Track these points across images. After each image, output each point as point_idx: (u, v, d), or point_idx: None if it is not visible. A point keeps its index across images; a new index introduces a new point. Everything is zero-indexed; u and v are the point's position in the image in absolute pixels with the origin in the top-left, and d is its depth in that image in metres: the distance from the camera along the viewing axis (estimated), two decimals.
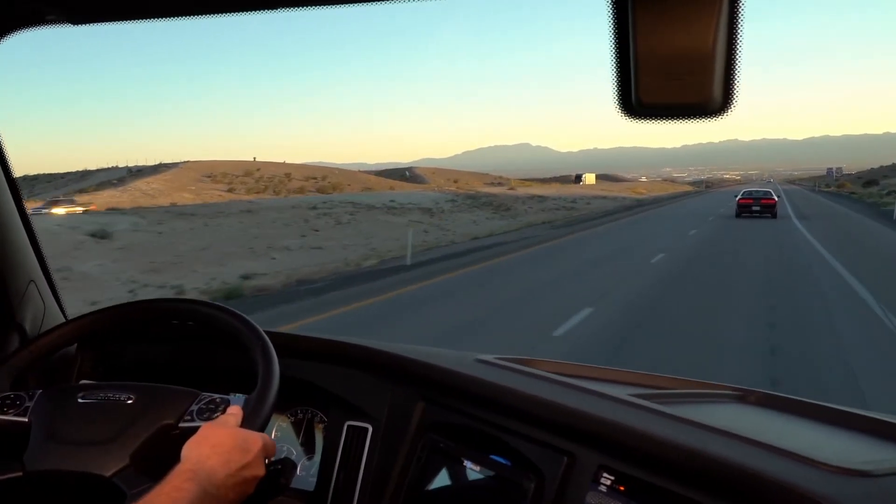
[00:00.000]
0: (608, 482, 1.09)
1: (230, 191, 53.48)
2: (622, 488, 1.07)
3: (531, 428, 1.23)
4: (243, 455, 1.06)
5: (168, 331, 1.64)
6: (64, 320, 1.61)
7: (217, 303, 1.41)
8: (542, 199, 56.24)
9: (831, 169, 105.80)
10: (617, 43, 0.78)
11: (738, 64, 0.76)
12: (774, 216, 33.03)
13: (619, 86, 0.80)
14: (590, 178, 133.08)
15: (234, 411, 1.17)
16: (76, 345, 1.57)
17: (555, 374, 1.42)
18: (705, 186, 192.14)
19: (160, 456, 1.13)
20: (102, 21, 1.22)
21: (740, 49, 0.75)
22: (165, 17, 1.17)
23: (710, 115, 0.80)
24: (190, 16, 1.16)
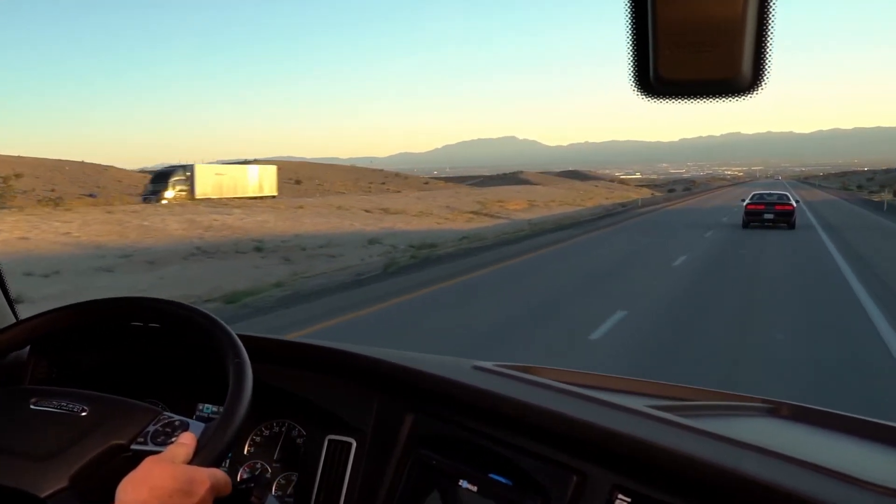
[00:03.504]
0: None
1: None
2: None
3: (535, 443, 1.17)
4: (185, 499, 0.98)
5: (132, 333, 1.54)
6: (14, 321, 1.54)
7: (187, 304, 1.33)
8: None
9: None
10: (633, 10, 0.72)
11: (771, 34, 0.71)
12: (792, 227, 28.18)
13: (636, 60, 0.74)
14: (202, 180, 40.74)
15: (187, 441, 1.08)
16: (29, 348, 1.49)
17: (562, 383, 1.35)
18: (684, 189, 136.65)
19: (104, 480, 1.08)
20: None
21: (773, 17, 0.70)
22: None
23: (739, 92, 0.74)
24: None
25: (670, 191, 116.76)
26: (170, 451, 1.05)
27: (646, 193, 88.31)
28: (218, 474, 1.05)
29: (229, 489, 1.07)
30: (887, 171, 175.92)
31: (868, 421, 1.27)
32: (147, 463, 1.00)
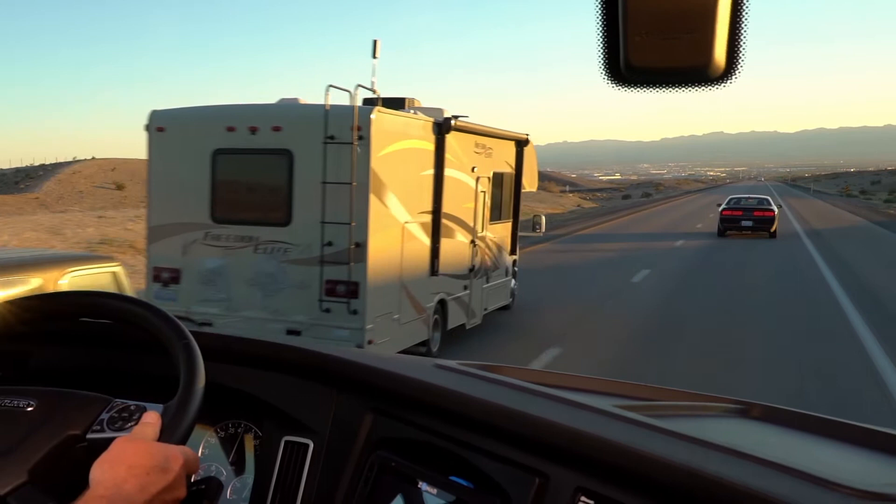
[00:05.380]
0: None
1: None
2: None
3: (497, 444, 1.16)
4: (163, 475, 0.99)
5: (81, 330, 1.55)
6: None
7: (134, 297, 1.33)
8: None
9: None
10: None
11: (746, 21, 0.70)
12: (773, 235, 27.51)
13: (605, 46, 0.74)
14: None
15: (152, 420, 1.09)
16: None
17: (526, 382, 1.35)
18: (643, 195, 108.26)
19: (64, 471, 1.08)
20: None
21: (747, 3, 0.70)
22: None
23: (712, 81, 0.73)
24: None
25: (625, 197, 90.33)
26: (137, 430, 1.06)
27: (569, 204, 61.01)
28: (188, 451, 1.05)
29: (199, 466, 1.08)
30: (894, 172, 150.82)
31: (839, 422, 1.28)
32: (119, 443, 1.00)
